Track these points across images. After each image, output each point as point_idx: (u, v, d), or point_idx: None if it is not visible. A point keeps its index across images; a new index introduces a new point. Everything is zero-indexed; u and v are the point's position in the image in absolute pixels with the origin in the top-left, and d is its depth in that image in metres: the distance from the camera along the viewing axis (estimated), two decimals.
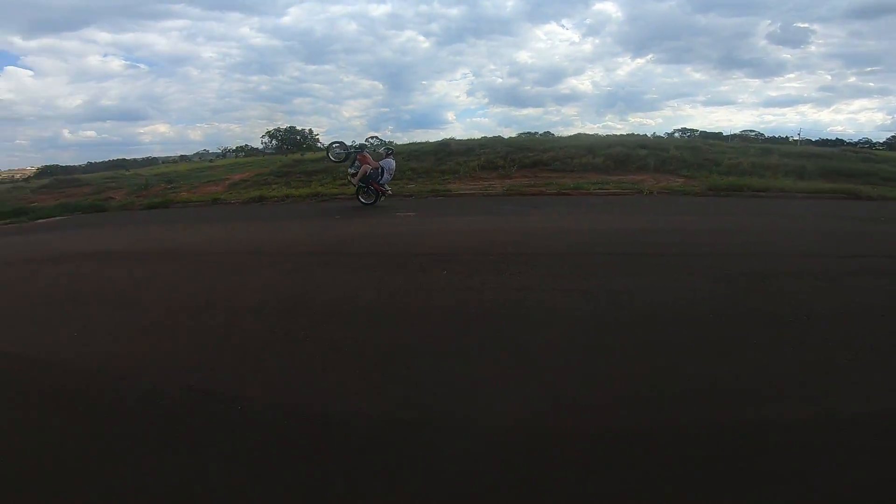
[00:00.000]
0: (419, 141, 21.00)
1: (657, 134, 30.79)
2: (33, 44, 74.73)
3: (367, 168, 9.80)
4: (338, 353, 3.12)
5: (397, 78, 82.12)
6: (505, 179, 13.95)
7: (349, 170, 10.38)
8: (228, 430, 2.29)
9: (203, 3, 76.29)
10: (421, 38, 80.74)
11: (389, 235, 6.92)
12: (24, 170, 42.81)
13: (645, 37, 72.67)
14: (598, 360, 2.80)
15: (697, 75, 74.84)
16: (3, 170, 47.73)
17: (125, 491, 1.92)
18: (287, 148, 35.30)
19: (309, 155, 27.55)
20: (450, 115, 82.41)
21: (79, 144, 69.59)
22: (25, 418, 2.54)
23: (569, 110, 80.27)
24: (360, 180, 9.93)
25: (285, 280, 5.02)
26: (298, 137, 36.73)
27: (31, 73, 75.36)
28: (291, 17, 75.36)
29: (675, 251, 5.12)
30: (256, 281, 5.07)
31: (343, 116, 78.41)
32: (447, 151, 16.68)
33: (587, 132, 30.80)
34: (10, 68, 76.85)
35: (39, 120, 73.43)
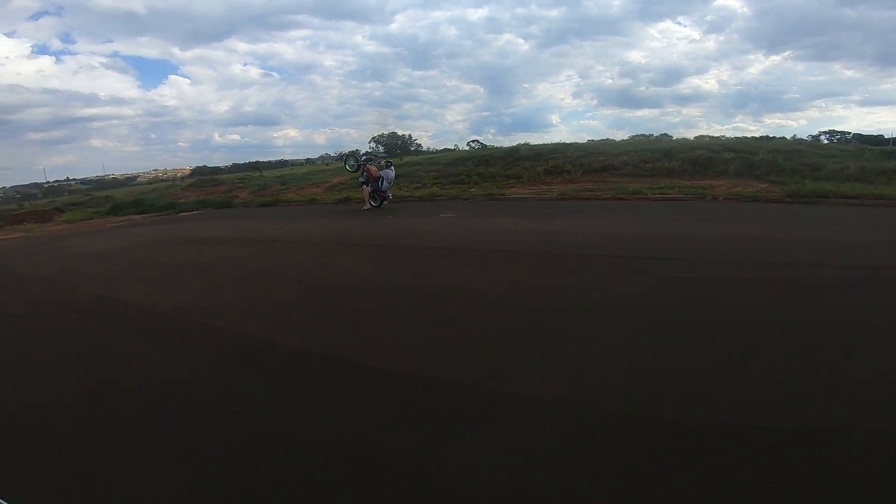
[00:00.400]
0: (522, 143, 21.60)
1: (798, 136, 27.29)
2: (189, 54, 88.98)
3: (367, 189, 12.12)
4: (325, 311, 4.24)
5: (498, 81, 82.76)
6: (569, 184, 14.20)
7: (360, 178, 12.54)
8: (236, 353, 3.50)
9: (322, 13, 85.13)
10: (520, 40, 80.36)
11: (417, 232, 8.05)
12: (184, 169, 51.68)
13: (779, 33, 64.00)
14: (491, 334, 3.51)
15: (850, 73, 63.74)
16: (169, 168, 57.97)
17: (167, 372, 3.17)
18: (389, 152, 38.26)
19: (407, 158, 29.69)
20: (554, 118, 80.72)
21: (226, 147, 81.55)
22: (121, 335, 4.03)
23: (691, 111, 73.56)
24: (371, 190, 12.10)
25: (321, 261, 6.38)
26: (399, 142, 39.59)
27: (188, 81, 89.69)
28: (398, 25, 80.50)
29: (630, 255, 5.39)
30: (302, 261, 6.51)
31: (447, 120, 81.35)
32: (516, 157, 17.26)
33: (712, 134, 28.86)
34: (172, 77, 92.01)
35: (196, 124, 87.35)
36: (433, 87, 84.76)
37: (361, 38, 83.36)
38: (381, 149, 45.11)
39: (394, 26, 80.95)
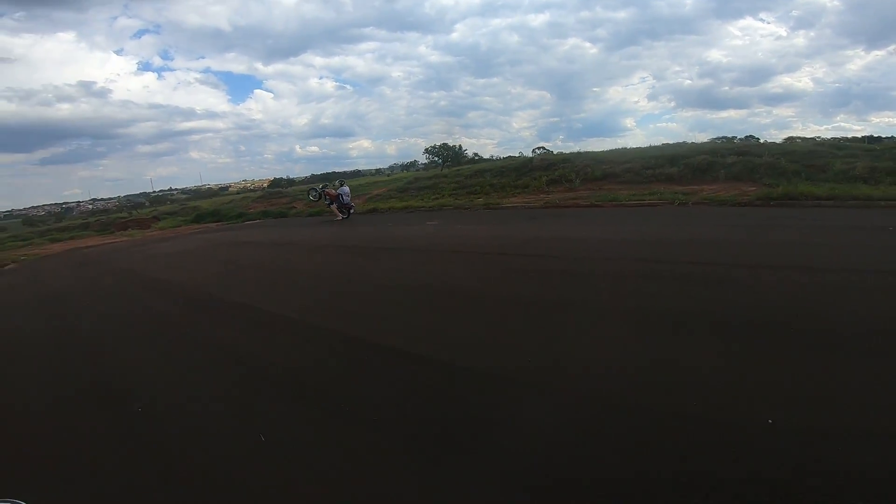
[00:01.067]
0: (595, 150, 22.94)
1: None
2: (270, 69, 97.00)
3: (335, 206, 15.55)
4: (304, 293, 6.45)
5: (565, 86, 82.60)
6: (567, 192, 15.47)
7: (324, 201, 15.99)
8: (248, 322, 5.79)
9: (388, 26, 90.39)
10: (587, 44, 79.58)
11: (398, 237, 10.13)
12: (267, 180, 57.98)
13: (879, 26, 57.97)
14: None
15: None
16: (256, 179, 65.01)
17: (198, 337, 5.52)
18: (441, 162, 40.54)
19: (456, 169, 31.68)
20: (628, 122, 78.97)
21: (306, 158, 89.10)
22: (165, 301, 6.51)
23: (783, 111, 68.45)
24: (336, 206, 15.61)
25: (318, 259, 8.69)
26: (450, 153, 41.84)
27: (271, 95, 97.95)
28: (459, 34, 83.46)
29: (509, 252, 6.92)
30: (308, 259, 8.84)
31: (513, 128, 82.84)
32: (529, 167, 18.67)
33: (808, 135, 28.00)
34: (257, 91, 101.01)
35: (279, 137, 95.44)
36: (497, 94, 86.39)
37: (425, 49, 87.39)
38: (437, 160, 47.67)
39: (455, 35, 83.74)
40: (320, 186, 17.52)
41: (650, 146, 19.99)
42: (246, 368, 3.63)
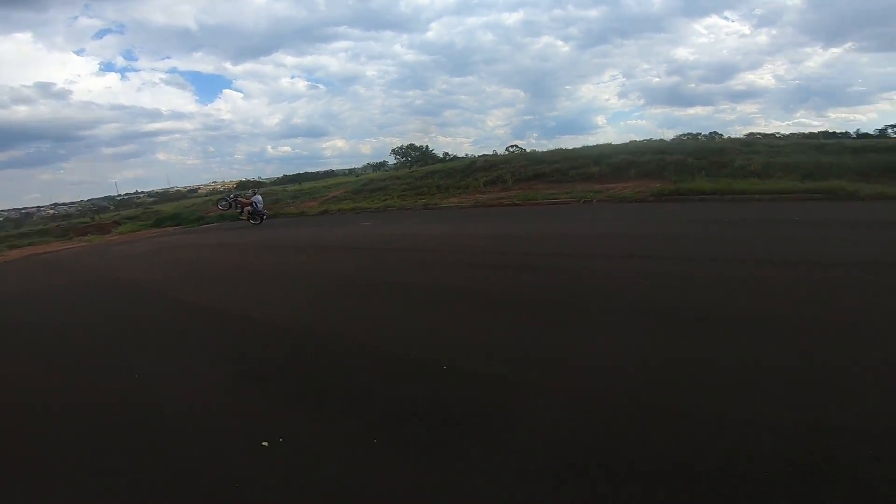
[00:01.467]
0: (565, 147, 24.02)
1: (862, 131, 26.99)
2: (240, 68, 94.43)
3: (249, 208, 16.92)
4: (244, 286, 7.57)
5: (539, 85, 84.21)
6: (502, 192, 16.82)
7: (236, 209, 17.19)
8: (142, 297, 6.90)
9: (361, 24, 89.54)
10: (559, 42, 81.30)
11: (321, 237, 11.35)
12: (237, 181, 57.27)
13: (837, 24, 61.28)
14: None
15: None
16: (227, 181, 64.08)
17: (123, 308, 6.62)
18: (409, 162, 41.39)
19: (424, 169, 32.43)
20: (599, 120, 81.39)
21: (278, 159, 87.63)
22: (110, 294, 7.56)
23: (747, 107, 71.49)
24: (248, 214, 17.02)
25: (241, 257, 9.79)
26: (415, 154, 42.73)
27: (241, 94, 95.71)
28: (434, 33, 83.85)
29: (419, 247, 8.26)
30: (232, 257, 9.94)
31: (488, 126, 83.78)
32: (473, 168, 19.99)
33: (769, 131, 29.63)
34: (226, 91, 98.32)
35: (250, 137, 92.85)
36: (472, 93, 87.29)
37: (400, 48, 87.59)
38: (404, 160, 48.42)
39: (430, 34, 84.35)
40: (231, 195, 18.70)
41: (584, 146, 21.43)
42: (153, 329, 4.80)
